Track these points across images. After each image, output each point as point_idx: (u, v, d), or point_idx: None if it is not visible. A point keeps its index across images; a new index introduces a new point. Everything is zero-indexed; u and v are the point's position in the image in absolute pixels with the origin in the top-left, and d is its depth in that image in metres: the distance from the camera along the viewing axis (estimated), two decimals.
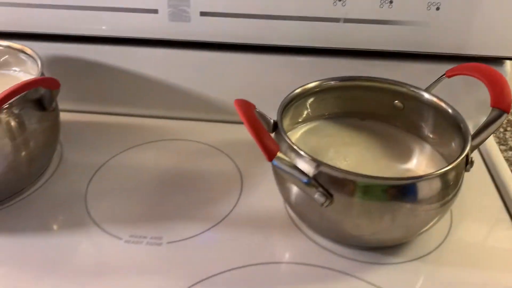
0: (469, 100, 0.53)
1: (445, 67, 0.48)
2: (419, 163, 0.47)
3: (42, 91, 0.46)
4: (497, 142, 0.58)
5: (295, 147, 0.39)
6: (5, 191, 0.47)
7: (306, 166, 0.38)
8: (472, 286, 0.41)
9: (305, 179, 0.38)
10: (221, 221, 0.46)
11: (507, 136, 0.60)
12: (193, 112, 0.59)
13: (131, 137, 0.56)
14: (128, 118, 0.60)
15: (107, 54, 0.56)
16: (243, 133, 0.56)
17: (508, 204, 0.48)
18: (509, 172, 0.51)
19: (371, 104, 0.50)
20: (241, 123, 0.58)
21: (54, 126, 0.51)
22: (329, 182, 0.38)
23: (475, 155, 0.55)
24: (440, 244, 0.44)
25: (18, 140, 0.45)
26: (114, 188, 0.50)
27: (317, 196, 0.38)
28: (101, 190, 0.49)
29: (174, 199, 0.48)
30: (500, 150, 0.56)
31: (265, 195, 0.49)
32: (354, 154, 0.47)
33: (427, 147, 0.48)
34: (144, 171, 0.52)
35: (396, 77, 0.48)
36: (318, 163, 0.38)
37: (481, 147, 0.55)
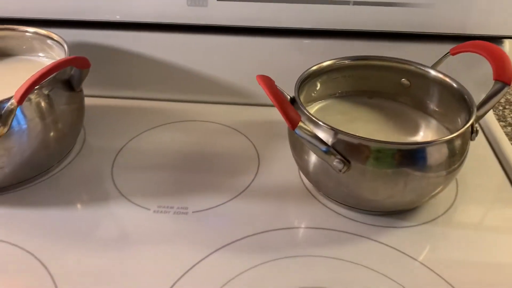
0: (472, 78, 0.56)
1: (449, 46, 0.51)
2: (426, 136, 0.50)
3: (72, 71, 0.48)
4: (496, 119, 0.61)
5: (314, 118, 0.42)
6: (35, 168, 0.50)
7: (324, 135, 0.41)
8: (478, 246, 0.44)
9: (324, 148, 0.41)
10: (241, 192, 0.49)
11: (505, 113, 0.63)
12: (210, 95, 0.62)
13: (152, 119, 0.59)
14: (148, 102, 0.62)
15: (127, 39, 0.59)
16: (257, 114, 0.61)
17: (509, 173, 0.51)
18: (509, 144, 0.54)
19: (379, 83, 0.53)
20: (255, 105, 0.61)
21: (80, 108, 0.53)
22: (346, 149, 0.41)
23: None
24: (447, 210, 0.47)
25: (47, 120, 0.47)
26: (139, 164, 0.52)
27: (336, 163, 0.41)
28: (126, 166, 0.52)
29: (196, 174, 0.51)
30: (500, 126, 0.59)
31: (280, 168, 0.52)
32: (364, 130, 0.49)
33: (433, 122, 0.51)
34: (166, 149, 0.54)
35: (403, 57, 0.51)
36: (336, 131, 0.41)
37: (482, 122, 0.59)
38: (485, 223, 0.46)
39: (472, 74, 0.57)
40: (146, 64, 0.60)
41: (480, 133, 0.58)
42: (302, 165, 0.47)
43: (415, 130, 0.51)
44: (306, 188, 0.49)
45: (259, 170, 0.52)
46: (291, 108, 0.40)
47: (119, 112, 0.61)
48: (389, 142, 0.40)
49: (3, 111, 0.42)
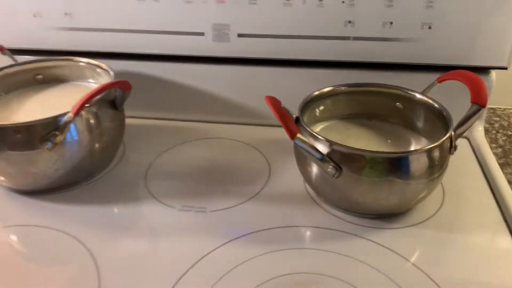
0: (460, 102, 0.63)
1: (438, 75, 0.59)
2: None
3: (116, 92, 0.59)
4: (489, 142, 0.67)
5: (313, 132, 0.51)
6: (83, 173, 0.59)
7: (320, 146, 0.49)
8: (460, 246, 0.50)
9: (319, 156, 0.49)
10: (253, 196, 0.57)
11: (498, 137, 0.70)
12: (230, 117, 0.71)
13: (180, 137, 0.69)
14: (177, 122, 0.72)
15: (162, 69, 0.70)
16: (271, 133, 0.70)
17: (492, 184, 0.58)
18: (495, 161, 0.61)
19: (375, 106, 0.61)
20: (267, 125, 0.70)
21: (121, 125, 0.63)
22: (338, 158, 0.49)
23: (467, 149, 0.65)
24: (433, 214, 0.54)
25: (94, 133, 0.57)
26: (167, 173, 0.62)
27: (329, 169, 0.49)
28: (157, 174, 0.61)
29: (215, 181, 0.60)
30: (491, 147, 0.66)
31: (288, 178, 0.60)
32: (360, 146, 0.58)
33: (423, 140, 0.58)
34: (191, 161, 0.64)
35: (396, 85, 0.59)
36: (330, 142, 0.49)
37: (472, 142, 0.65)
38: (468, 226, 0.52)
39: (459, 99, 0.64)
40: (176, 89, 0.70)
41: (470, 150, 0.64)
42: (305, 174, 0.55)
43: (406, 146, 0.58)
44: (309, 194, 0.57)
45: (269, 178, 0.60)
46: (291, 122, 0.49)
47: (153, 130, 0.71)
48: (374, 151, 0.48)
49: (61, 122, 0.52)
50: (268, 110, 0.66)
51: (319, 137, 0.50)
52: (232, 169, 0.62)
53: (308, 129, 0.51)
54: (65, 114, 0.52)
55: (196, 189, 0.59)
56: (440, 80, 0.58)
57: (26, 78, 0.67)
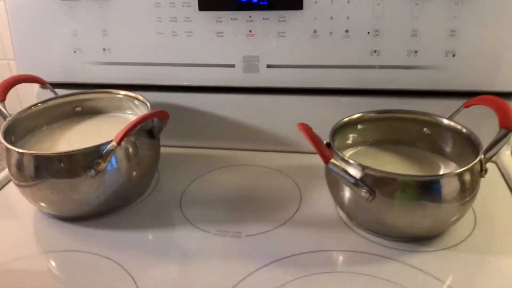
0: (485, 127, 0.64)
1: (463, 100, 0.60)
2: None
3: (154, 122, 0.61)
4: None
5: (345, 157, 0.52)
6: (120, 200, 0.61)
7: (353, 171, 0.51)
8: (493, 269, 0.50)
9: (352, 180, 0.50)
10: (286, 221, 0.58)
11: None
12: (260, 144, 0.74)
13: (212, 164, 0.71)
14: (209, 150, 0.75)
15: (194, 100, 0.73)
16: (300, 160, 0.71)
17: None
18: None
19: (403, 132, 0.62)
20: (296, 152, 0.72)
21: (157, 153, 0.66)
22: (372, 182, 0.50)
23: (495, 173, 0.65)
24: (466, 238, 0.54)
25: (132, 161, 0.60)
26: (202, 198, 0.64)
27: (363, 193, 0.50)
28: (191, 200, 0.63)
29: (248, 206, 0.62)
30: None
31: (319, 203, 0.61)
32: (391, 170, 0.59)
33: (452, 165, 0.60)
34: (224, 187, 0.66)
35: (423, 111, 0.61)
36: (362, 167, 0.51)
37: (500, 166, 0.66)
38: (501, 250, 0.53)
39: (484, 123, 0.65)
40: (208, 119, 0.73)
41: (498, 174, 0.65)
42: (337, 198, 0.57)
43: (436, 171, 0.59)
44: (341, 218, 0.58)
45: (301, 204, 0.61)
46: (325, 148, 0.50)
47: (185, 158, 0.73)
48: (405, 174, 0.49)
49: (104, 151, 0.55)
50: (296, 137, 0.69)
51: (351, 161, 0.52)
52: (263, 195, 0.64)
53: (340, 154, 0.53)
54: (108, 143, 0.55)
55: (230, 214, 0.60)
56: (467, 105, 0.60)
57: (66, 110, 0.70)
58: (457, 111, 0.61)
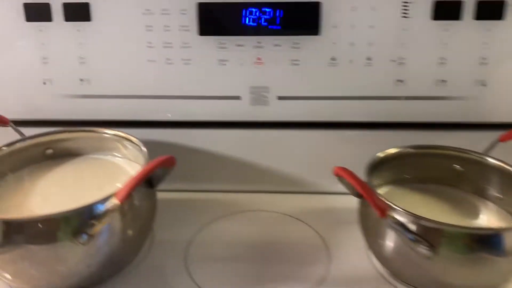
0: None
1: (497, 133, 0.55)
2: (489, 220, 0.52)
3: (156, 171, 0.51)
4: None
5: (397, 208, 0.45)
6: (115, 266, 0.50)
7: (409, 224, 0.44)
8: None
9: (411, 236, 0.43)
10: (317, 281, 0.50)
11: None
12: (270, 185, 0.65)
13: (216, 210, 0.61)
14: (211, 194, 0.65)
15: (192, 137, 0.63)
16: (316, 202, 0.63)
17: None
18: None
19: (430, 169, 0.56)
20: (312, 193, 0.63)
21: (154, 203, 0.55)
22: (430, 236, 0.43)
23: None
24: None
25: (127, 217, 0.48)
26: (210, 254, 0.54)
27: (424, 250, 0.42)
28: (198, 256, 0.53)
29: (266, 264, 0.52)
30: None
31: (349, 255, 0.53)
32: (430, 215, 0.52)
33: (491, 205, 0.54)
34: (234, 240, 0.56)
35: (453, 145, 0.55)
36: (419, 219, 0.43)
37: None
38: None
39: None
40: (209, 158, 0.64)
41: None
42: (379, 253, 0.49)
43: (476, 214, 0.53)
44: (381, 275, 0.50)
45: (330, 257, 0.53)
46: (377, 198, 0.43)
47: (185, 204, 0.63)
48: (472, 228, 0.43)
49: (101, 211, 0.43)
50: (309, 177, 0.62)
51: (402, 210, 0.44)
52: (282, 247, 0.55)
53: (391, 204, 0.45)
54: (105, 199, 0.44)
55: (247, 275, 0.51)
56: (503, 139, 0.55)
57: (34, 153, 0.59)
58: (491, 145, 0.55)
